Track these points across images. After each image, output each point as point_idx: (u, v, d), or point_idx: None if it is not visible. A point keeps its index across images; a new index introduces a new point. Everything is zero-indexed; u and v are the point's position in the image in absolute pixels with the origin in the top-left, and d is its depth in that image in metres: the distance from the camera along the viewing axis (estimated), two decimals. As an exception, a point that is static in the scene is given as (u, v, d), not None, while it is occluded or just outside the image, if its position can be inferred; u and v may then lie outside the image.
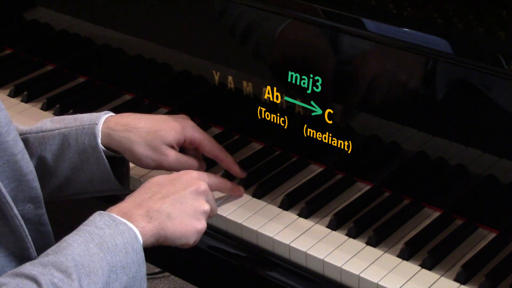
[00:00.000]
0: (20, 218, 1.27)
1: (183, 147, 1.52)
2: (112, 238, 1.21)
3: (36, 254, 1.30)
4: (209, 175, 1.43)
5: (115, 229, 1.22)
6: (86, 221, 1.24)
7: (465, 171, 1.44)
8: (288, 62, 1.57)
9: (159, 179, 1.36)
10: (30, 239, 1.29)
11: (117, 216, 1.24)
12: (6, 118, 1.27)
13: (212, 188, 1.42)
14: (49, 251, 1.20)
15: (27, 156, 1.31)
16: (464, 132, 1.43)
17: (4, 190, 1.24)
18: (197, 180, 1.36)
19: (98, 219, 1.24)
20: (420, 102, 1.45)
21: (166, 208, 1.29)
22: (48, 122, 1.49)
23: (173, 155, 1.48)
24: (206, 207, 1.34)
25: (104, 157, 1.45)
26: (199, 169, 1.53)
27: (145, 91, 1.87)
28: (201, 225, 1.33)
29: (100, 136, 1.45)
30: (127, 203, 1.29)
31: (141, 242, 1.24)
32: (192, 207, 1.32)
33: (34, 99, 1.91)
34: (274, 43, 1.57)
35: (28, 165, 1.31)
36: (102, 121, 1.47)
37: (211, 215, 1.38)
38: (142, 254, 1.24)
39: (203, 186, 1.35)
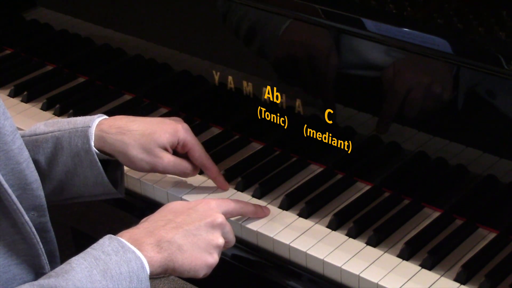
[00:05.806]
0: (31, 224, 1.25)
1: (175, 151, 1.51)
2: (117, 266, 1.19)
3: (47, 261, 1.29)
4: (229, 202, 1.39)
5: (122, 256, 1.20)
6: (94, 244, 1.22)
7: (465, 171, 1.44)
8: (291, 61, 1.57)
9: (176, 205, 1.32)
10: (41, 246, 1.27)
11: (126, 243, 1.22)
12: (11, 127, 1.26)
13: (233, 215, 1.41)
14: (51, 272, 1.18)
15: (32, 164, 1.30)
16: (464, 132, 1.43)
17: (14, 198, 1.23)
18: (214, 212, 1.31)
19: (107, 243, 1.21)
20: (420, 102, 1.45)
21: (178, 239, 1.25)
22: (42, 126, 1.47)
23: (167, 158, 1.47)
24: (220, 241, 1.30)
25: (97, 160, 1.43)
26: (193, 171, 1.52)
27: (145, 91, 1.87)
28: (213, 259, 1.29)
29: (93, 139, 1.43)
30: (140, 230, 1.26)
31: (148, 272, 1.22)
32: (205, 240, 1.28)
33: (34, 99, 1.91)
34: (276, 43, 1.57)
35: (33, 174, 1.30)
36: (96, 124, 1.45)
37: (227, 247, 1.35)
38: (147, 284, 1.21)
39: (219, 218, 1.30)
